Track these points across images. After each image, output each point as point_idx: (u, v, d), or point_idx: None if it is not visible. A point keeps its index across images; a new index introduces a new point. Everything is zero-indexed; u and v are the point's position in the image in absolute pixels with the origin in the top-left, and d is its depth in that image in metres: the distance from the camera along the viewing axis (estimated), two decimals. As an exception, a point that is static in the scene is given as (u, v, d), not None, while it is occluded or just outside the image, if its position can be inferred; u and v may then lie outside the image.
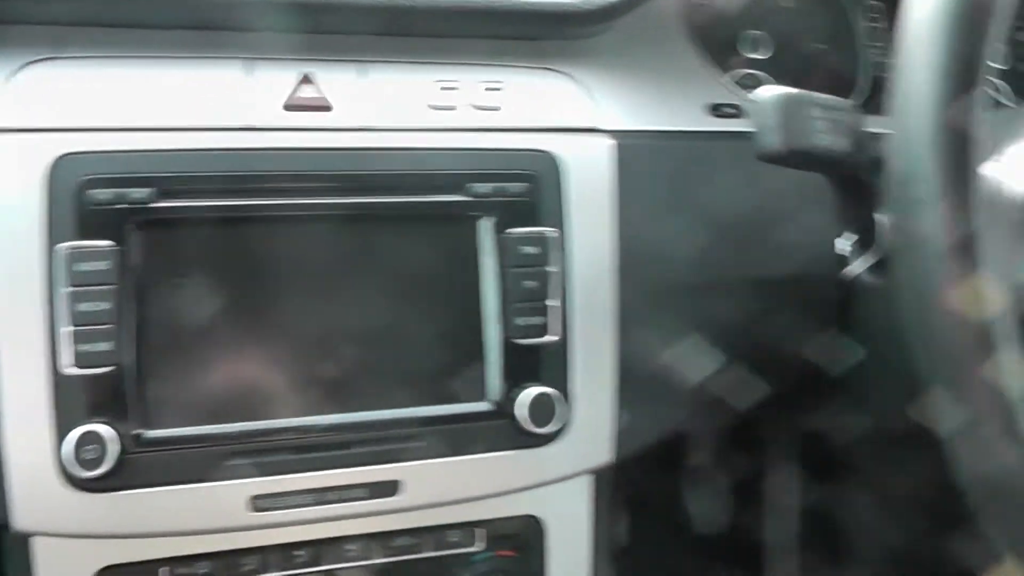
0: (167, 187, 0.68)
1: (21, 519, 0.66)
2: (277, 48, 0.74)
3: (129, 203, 0.67)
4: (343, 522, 0.73)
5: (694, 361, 0.80)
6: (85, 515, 0.67)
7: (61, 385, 0.66)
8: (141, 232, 0.68)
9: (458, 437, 0.73)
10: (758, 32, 0.93)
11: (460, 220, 0.74)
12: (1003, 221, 0.65)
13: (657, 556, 1.13)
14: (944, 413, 0.60)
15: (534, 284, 0.74)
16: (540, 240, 0.75)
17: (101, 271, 0.66)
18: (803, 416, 0.93)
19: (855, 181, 0.73)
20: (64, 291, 0.65)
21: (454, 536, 0.77)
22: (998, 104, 0.97)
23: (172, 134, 0.70)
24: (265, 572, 0.73)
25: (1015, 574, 0.59)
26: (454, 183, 0.74)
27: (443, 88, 0.76)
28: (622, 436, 0.78)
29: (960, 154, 0.59)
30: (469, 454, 0.74)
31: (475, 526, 0.77)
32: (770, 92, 0.67)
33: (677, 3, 0.88)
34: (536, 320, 0.74)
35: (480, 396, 0.74)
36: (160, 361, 0.68)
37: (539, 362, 0.75)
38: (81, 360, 0.66)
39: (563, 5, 0.78)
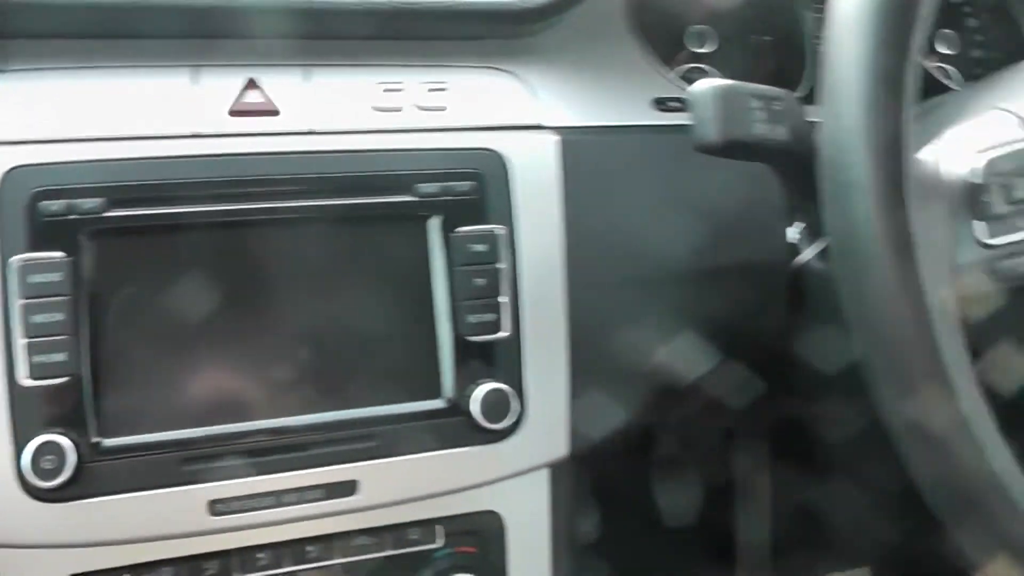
0: (117, 197, 0.68)
1: None
2: (222, 55, 0.75)
3: (80, 214, 0.68)
4: (303, 523, 0.74)
5: (647, 354, 0.81)
6: (46, 525, 0.67)
7: (18, 397, 0.66)
8: (93, 242, 0.68)
9: (413, 435, 0.74)
10: (703, 26, 0.94)
11: (409, 220, 0.75)
12: (940, 204, 0.66)
13: (626, 550, 1.14)
14: (886, 401, 0.61)
15: (484, 281, 0.75)
16: (488, 238, 0.75)
17: (55, 282, 0.67)
18: (765, 406, 0.93)
19: (799, 170, 0.74)
20: (18, 303, 0.66)
21: (414, 534, 0.77)
22: (947, 89, 0.98)
23: (121, 143, 0.70)
24: None
25: (1006, 573, 0.60)
26: (402, 184, 0.74)
27: (388, 90, 0.77)
28: (577, 430, 0.79)
29: (891, 138, 0.60)
30: (425, 452, 0.74)
31: (434, 523, 0.78)
32: (707, 84, 0.68)
33: (621, -1, 0.89)
34: (487, 317, 0.75)
35: (434, 394, 0.75)
36: (116, 370, 0.69)
37: (492, 358, 0.76)
38: (36, 372, 0.66)
39: (505, 4, 0.78)
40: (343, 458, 0.73)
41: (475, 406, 0.74)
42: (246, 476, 0.71)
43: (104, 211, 0.68)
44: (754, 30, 0.97)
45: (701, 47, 0.94)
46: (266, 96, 0.74)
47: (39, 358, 0.66)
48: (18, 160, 0.68)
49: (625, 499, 1.14)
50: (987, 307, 0.66)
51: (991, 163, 0.66)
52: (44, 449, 0.66)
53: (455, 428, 0.75)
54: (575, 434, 0.79)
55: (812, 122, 0.71)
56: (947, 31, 1.05)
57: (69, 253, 0.67)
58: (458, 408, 0.75)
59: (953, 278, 0.63)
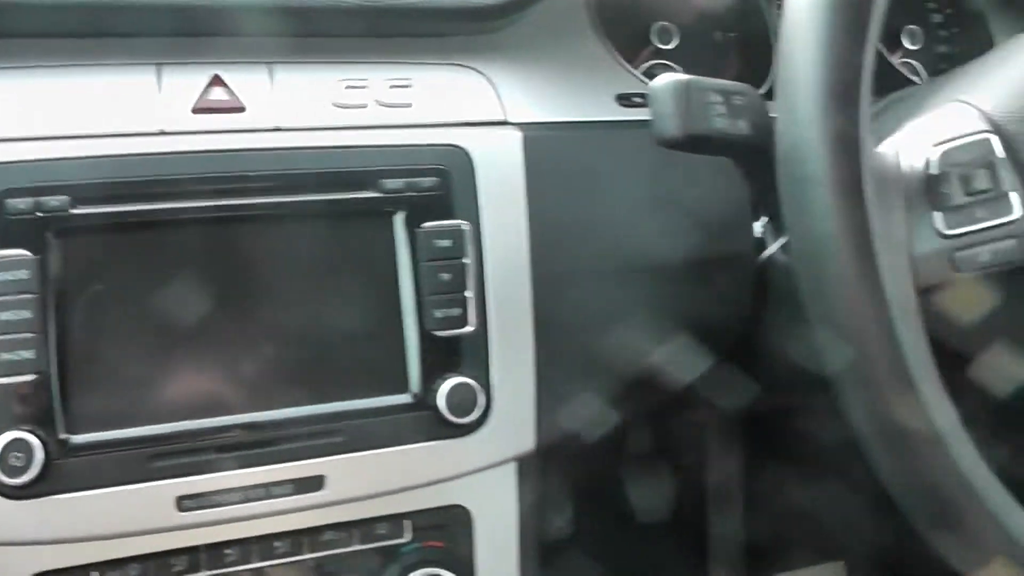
0: (83, 195, 0.69)
1: None
2: (187, 52, 0.75)
3: (47, 212, 0.68)
4: (271, 519, 0.74)
5: (614, 348, 0.81)
6: (13, 523, 0.67)
7: None
8: (59, 240, 0.68)
9: (380, 430, 0.74)
10: (667, 23, 0.95)
11: (375, 216, 0.75)
12: (898, 196, 0.67)
13: (598, 545, 1.14)
14: (848, 399, 0.61)
15: (449, 276, 0.75)
16: (453, 233, 0.76)
17: (21, 280, 0.67)
18: (736, 399, 0.94)
19: (761, 164, 0.74)
20: None
21: (381, 528, 0.77)
22: (911, 84, 0.99)
23: (86, 141, 0.70)
24: (195, 572, 0.74)
25: (1003, 574, 0.60)
26: (367, 180, 0.75)
27: (353, 87, 0.77)
28: (544, 423, 0.79)
29: (847, 132, 0.60)
30: (392, 446, 0.75)
31: (402, 518, 0.78)
32: (666, 79, 0.69)
33: (584, -5, 0.89)
34: (453, 312, 0.76)
35: (401, 389, 0.75)
36: (84, 366, 0.69)
37: (458, 353, 0.76)
38: (3, 369, 0.66)
39: (468, 1, 0.79)
40: (310, 453, 0.73)
41: (441, 400, 0.75)
42: (214, 472, 0.71)
43: (70, 209, 0.68)
44: (718, 26, 0.97)
45: (665, 43, 0.95)
46: (231, 93, 0.75)
47: (6, 355, 0.66)
48: None
49: (597, 494, 1.15)
50: (954, 301, 0.66)
51: (949, 154, 0.67)
52: (11, 446, 0.66)
53: (422, 422, 0.75)
54: (542, 428, 0.79)
55: (774, 117, 0.71)
56: (913, 26, 1.06)
57: (36, 251, 0.67)
58: (425, 403, 0.75)
59: (912, 270, 0.64)
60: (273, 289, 0.73)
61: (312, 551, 0.76)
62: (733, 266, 0.83)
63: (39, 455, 0.66)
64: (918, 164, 0.67)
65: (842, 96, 0.60)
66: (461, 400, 0.75)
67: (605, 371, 0.82)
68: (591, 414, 0.82)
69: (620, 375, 0.83)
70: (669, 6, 0.94)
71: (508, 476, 0.81)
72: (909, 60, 1.04)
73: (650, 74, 0.90)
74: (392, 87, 0.78)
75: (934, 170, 0.66)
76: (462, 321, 0.76)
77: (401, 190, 0.75)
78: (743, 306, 0.85)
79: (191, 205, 0.71)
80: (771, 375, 0.89)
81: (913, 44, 1.05)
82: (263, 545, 0.75)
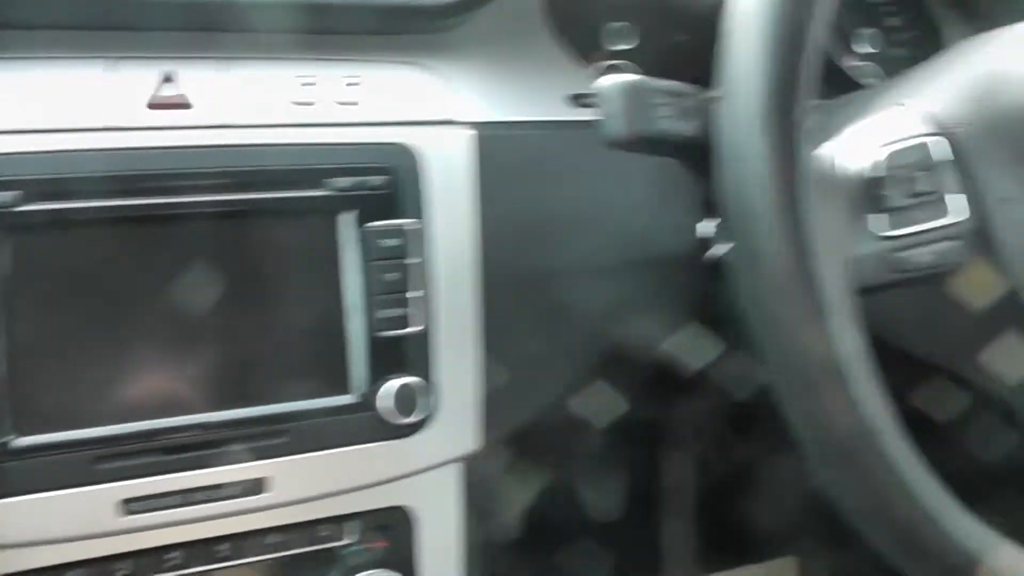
0: (32, 190, 0.67)
1: None
2: (138, 47, 0.74)
3: None
4: (214, 522, 0.73)
5: (560, 348, 0.81)
6: None
7: None
8: (8, 236, 0.67)
9: (323, 432, 0.74)
10: (622, 23, 0.94)
11: (321, 215, 0.74)
12: (839, 198, 0.67)
13: (547, 546, 1.14)
14: (784, 402, 0.61)
15: (396, 276, 0.75)
16: (400, 232, 0.75)
17: None
18: (685, 399, 0.94)
19: (708, 165, 0.75)
20: None
21: (324, 531, 0.77)
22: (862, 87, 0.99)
23: (37, 136, 0.69)
24: None
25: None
26: (314, 178, 0.74)
27: (303, 84, 0.76)
28: (489, 424, 0.79)
29: (786, 134, 0.60)
30: (335, 448, 0.74)
31: (345, 519, 0.77)
32: (613, 80, 0.68)
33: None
34: (398, 312, 0.75)
35: (345, 389, 0.75)
36: (29, 367, 0.67)
37: (402, 353, 0.75)
38: None
39: (419, -1, 0.78)
40: (252, 455, 0.72)
41: (385, 401, 0.74)
42: (157, 474, 0.70)
43: (19, 205, 0.67)
44: (674, 28, 0.97)
45: (620, 44, 0.95)
46: (181, 89, 0.73)
47: None
48: None
49: (546, 494, 1.15)
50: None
51: (891, 156, 0.67)
52: None
53: (365, 423, 0.74)
54: (487, 428, 0.79)
55: None
56: (869, 30, 1.06)
57: None
58: (368, 403, 0.74)
59: (850, 271, 0.64)
60: (219, 287, 0.72)
61: (256, 554, 0.76)
62: (680, 267, 0.83)
63: None
64: (861, 166, 0.67)
65: (782, 99, 0.60)
66: (405, 400, 0.74)
67: (553, 371, 0.82)
68: (536, 413, 0.82)
69: (568, 375, 0.83)
70: (624, 7, 0.94)
71: (453, 476, 0.80)
72: (865, 64, 1.05)
73: (605, 75, 0.90)
74: (342, 85, 0.77)
75: (877, 172, 0.67)
76: (407, 321, 0.75)
77: (348, 189, 0.74)
78: (690, 306, 0.85)
79: (138, 203, 0.70)
80: (718, 374, 0.90)
81: (870, 48, 1.05)
82: (206, 549, 0.74)
